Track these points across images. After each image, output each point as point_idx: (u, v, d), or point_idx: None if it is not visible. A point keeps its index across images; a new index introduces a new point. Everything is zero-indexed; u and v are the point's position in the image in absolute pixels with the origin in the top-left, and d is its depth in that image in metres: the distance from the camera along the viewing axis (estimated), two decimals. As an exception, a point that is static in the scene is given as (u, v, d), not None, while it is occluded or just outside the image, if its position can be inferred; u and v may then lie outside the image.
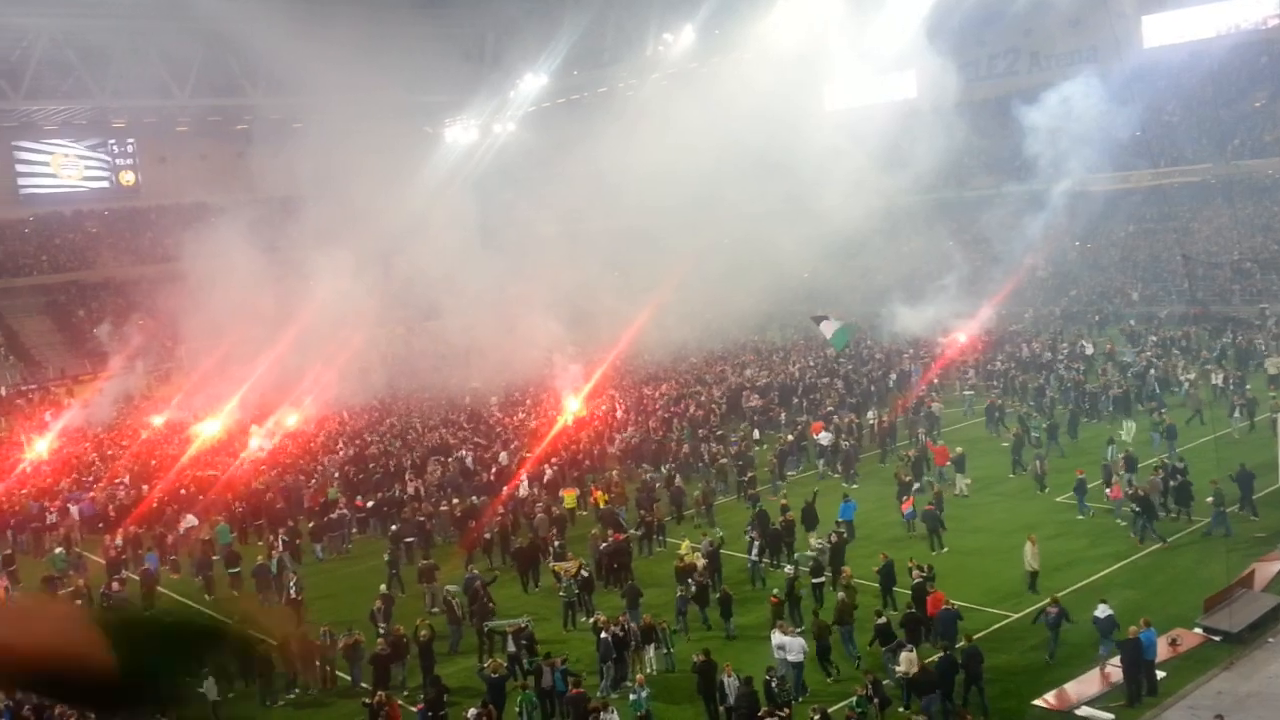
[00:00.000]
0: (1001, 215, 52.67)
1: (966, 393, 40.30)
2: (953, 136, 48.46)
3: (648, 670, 20.05)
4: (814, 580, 23.14)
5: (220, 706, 20.70)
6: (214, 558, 28.52)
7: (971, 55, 62.22)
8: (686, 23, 59.41)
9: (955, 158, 51.96)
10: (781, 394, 41.99)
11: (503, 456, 35.90)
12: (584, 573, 24.51)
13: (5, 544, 32.34)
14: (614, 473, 33.93)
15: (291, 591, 24.73)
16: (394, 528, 29.92)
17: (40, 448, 41.99)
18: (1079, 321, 51.50)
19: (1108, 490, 26.87)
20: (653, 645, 20.58)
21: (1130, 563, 23.74)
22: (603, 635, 20.40)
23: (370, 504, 32.65)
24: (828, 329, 41.19)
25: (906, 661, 18.39)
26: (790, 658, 19.25)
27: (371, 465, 37.06)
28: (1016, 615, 21.40)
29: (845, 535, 25.33)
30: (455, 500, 31.59)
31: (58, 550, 31.49)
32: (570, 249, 47.34)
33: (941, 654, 18.26)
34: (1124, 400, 36.10)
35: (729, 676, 18.21)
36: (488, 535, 28.84)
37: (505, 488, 32.30)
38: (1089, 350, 44.69)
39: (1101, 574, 23.12)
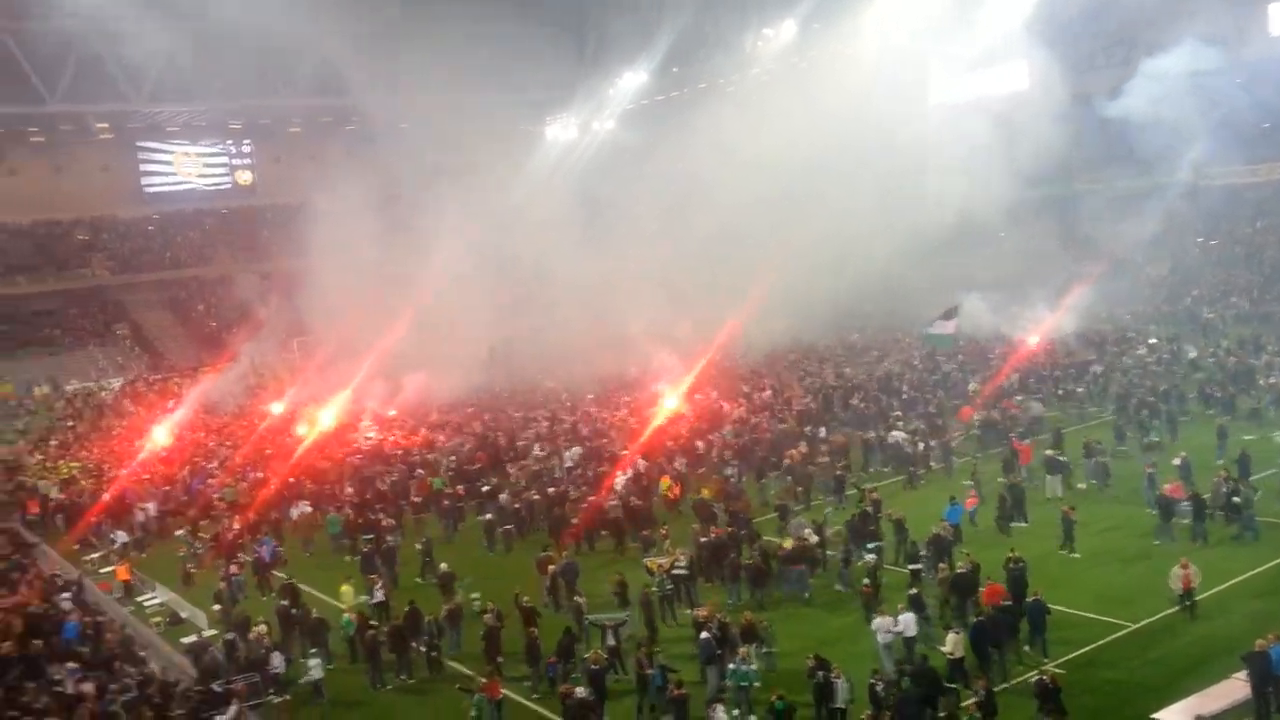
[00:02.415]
0: (1113, 211, 51.05)
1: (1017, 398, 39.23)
2: (1064, 130, 47.05)
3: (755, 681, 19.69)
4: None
5: (323, 685, 21.26)
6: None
7: (1085, 45, 60.36)
8: (787, 17, 58.89)
9: (1066, 152, 50.48)
10: (880, 392, 41.57)
11: (569, 453, 36.43)
12: (679, 568, 24.41)
13: (135, 527, 33.74)
14: (679, 463, 34.07)
15: (378, 595, 25.16)
16: (487, 516, 30.69)
17: (163, 434, 43.57)
18: (1191, 322, 49.43)
19: (1166, 487, 26.12)
20: (754, 644, 20.34)
21: (1259, 572, 22.69)
22: (704, 635, 20.26)
23: (466, 492, 33.39)
24: (942, 327, 40.63)
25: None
26: (908, 633, 19.69)
27: (470, 453, 37.83)
28: (1133, 625, 20.62)
29: (950, 536, 24.85)
30: (550, 490, 32.00)
31: (179, 532, 32.93)
32: (669, 246, 47.30)
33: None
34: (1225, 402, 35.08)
35: (839, 679, 17.91)
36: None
37: (604, 481, 32.54)
38: (1192, 354, 42.97)
39: (1229, 584, 22.07)
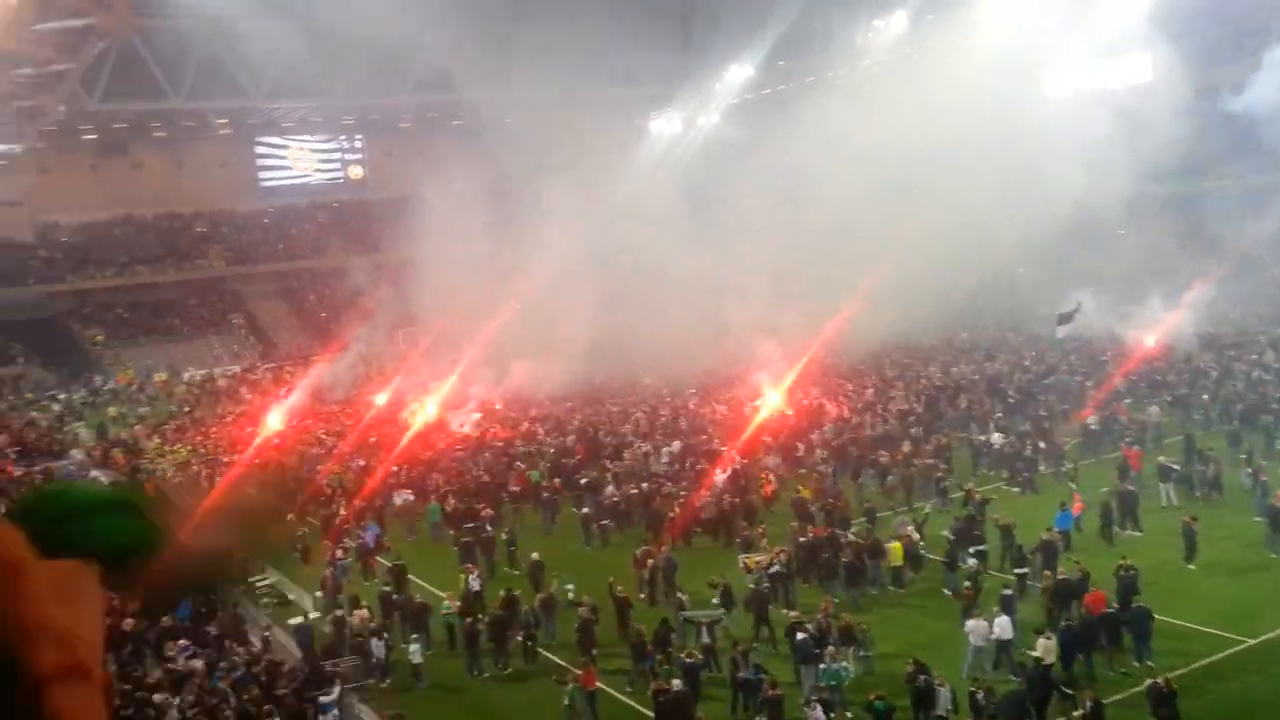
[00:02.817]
0: (1240, 208, 48.90)
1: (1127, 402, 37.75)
2: (1187, 124, 45.22)
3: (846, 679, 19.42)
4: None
5: (423, 670, 21.63)
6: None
7: (1210, 38, 57.93)
8: (899, 8, 57.87)
9: (1190, 146, 48.52)
10: (988, 393, 40.62)
11: (666, 449, 36.37)
12: (776, 566, 24.17)
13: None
14: (772, 460, 33.72)
15: (473, 584, 25.37)
16: (584, 510, 30.85)
17: (275, 421, 44.77)
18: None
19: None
20: (851, 647, 20.05)
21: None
22: (800, 635, 20.03)
23: (564, 485, 33.63)
24: (1065, 330, 39.66)
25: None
26: (1004, 637, 19.37)
27: (568, 447, 38.11)
28: (1253, 640, 19.74)
29: (1059, 543, 24.17)
30: (646, 486, 32.01)
31: (289, 517, 33.82)
32: (773, 241, 46.86)
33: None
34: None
35: (942, 686, 17.51)
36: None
37: (702, 477, 32.43)
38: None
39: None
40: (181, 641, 20.77)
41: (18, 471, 35.73)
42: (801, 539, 25.79)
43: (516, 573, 27.02)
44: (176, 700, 17.42)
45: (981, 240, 42.47)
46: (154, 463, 41.35)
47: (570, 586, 24.73)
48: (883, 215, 44.90)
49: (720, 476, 31.92)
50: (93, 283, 67.26)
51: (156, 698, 17.39)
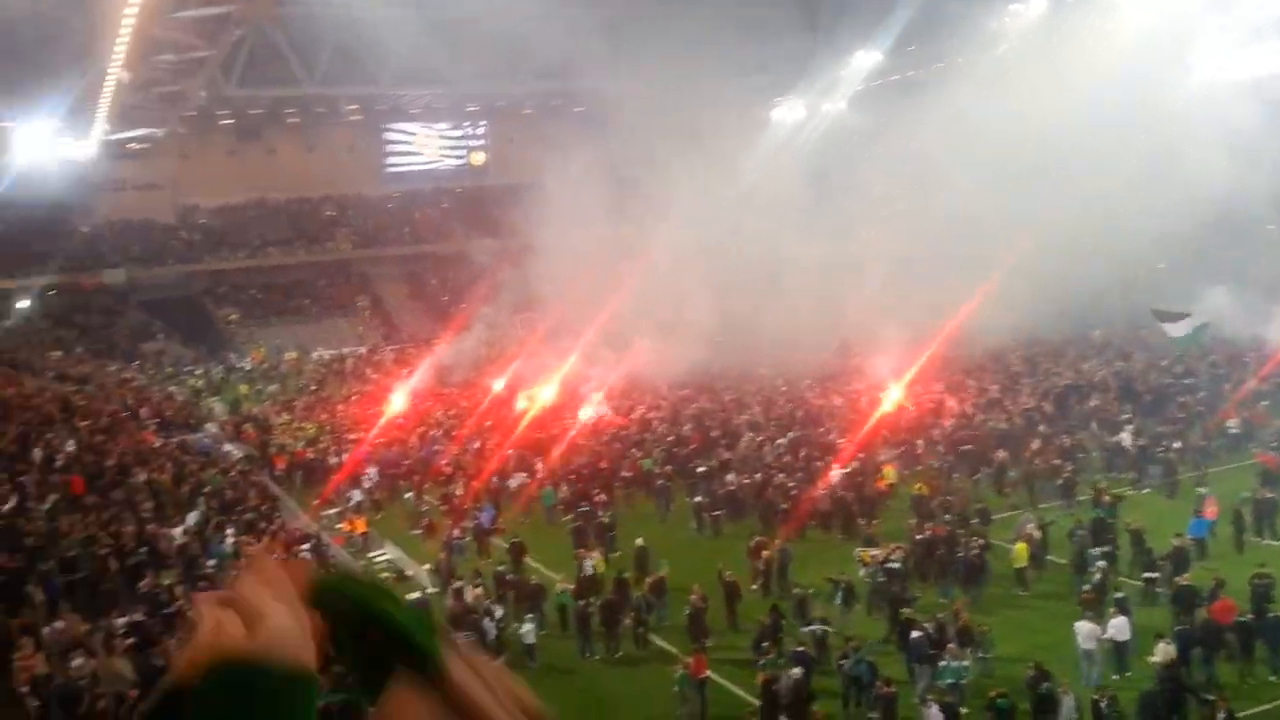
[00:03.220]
0: None
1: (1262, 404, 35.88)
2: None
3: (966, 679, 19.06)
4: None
5: (536, 650, 21.97)
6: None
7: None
8: (1037, -9, 56.15)
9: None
10: (1122, 394, 39.26)
11: (780, 440, 36.04)
12: (893, 562, 23.85)
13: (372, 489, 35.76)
14: (887, 454, 33.26)
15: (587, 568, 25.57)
16: (697, 499, 30.81)
17: (397, 402, 45.88)
18: None
19: None
20: (969, 648, 19.66)
21: None
22: (915, 634, 19.75)
23: (677, 474, 33.68)
24: (1177, 329, 37.93)
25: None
26: (1119, 638, 18.94)
27: (684, 436, 38.14)
28: None
29: (1191, 550, 23.31)
30: (759, 476, 31.85)
31: (408, 495, 34.73)
32: (898, 232, 46.02)
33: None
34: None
35: (1066, 694, 17.02)
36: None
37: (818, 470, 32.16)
38: None
39: None
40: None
41: (158, 442, 37.30)
42: (919, 536, 25.39)
43: (614, 555, 27.17)
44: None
45: (1117, 233, 40.99)
46: (283, 439, 42.83)
47: (666, 563, 24.85)
48: (1013, 206, 43.61)
49: (837, 470, 31.58)
50: (227, 264, 69.94)
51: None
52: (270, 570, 1.26)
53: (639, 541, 26.66)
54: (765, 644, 20.49)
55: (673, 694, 19.38)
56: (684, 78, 54.39)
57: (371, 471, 36.68)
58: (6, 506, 22.75)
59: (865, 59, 63.63)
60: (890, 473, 31.65)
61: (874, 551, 24.65)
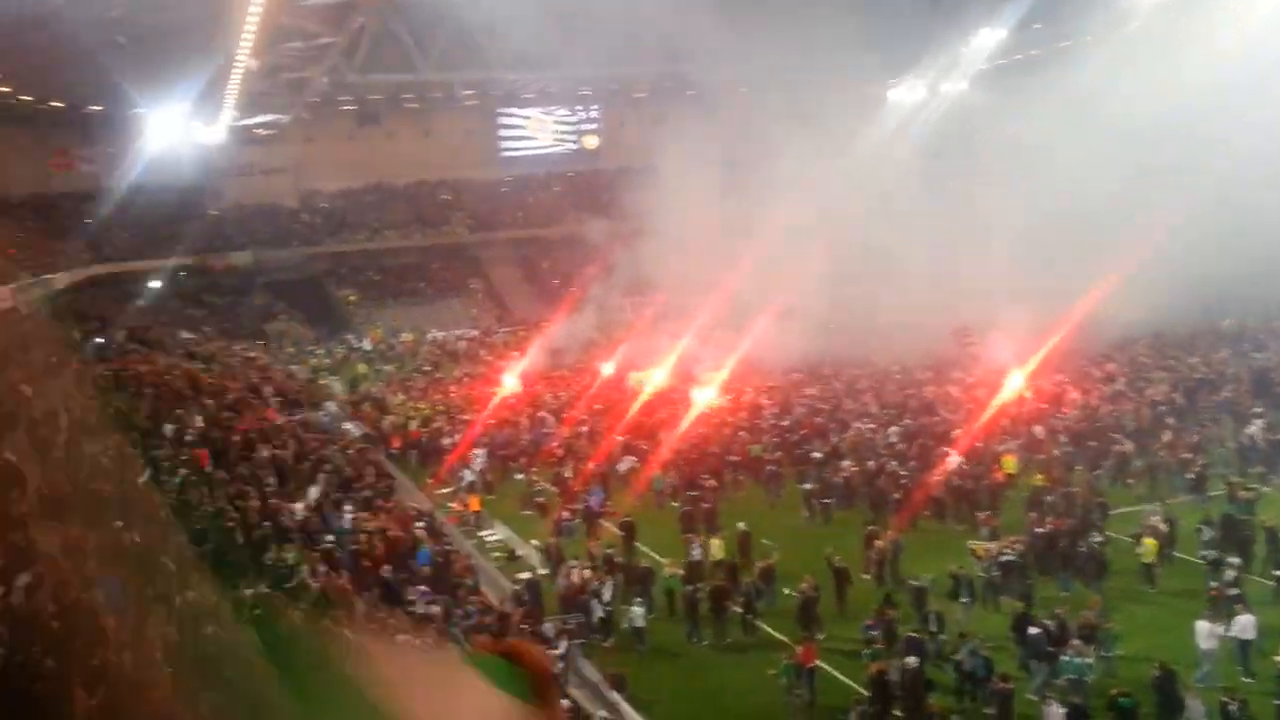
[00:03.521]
0: None
1: None
2: None
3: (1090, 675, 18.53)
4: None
5: (645, 633, 22.08)
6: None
7: None
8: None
9: None
10: (1255, 386, 37.60)
11: (893, 428, 35.65)
12: (1008, 555, 23.30)
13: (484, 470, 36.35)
14: (1007, 445, 32.32)
15: (695, 553, 25.46)
16: (807, 485, 30.59)
17: (509, 384, 46.53)
18: None
19: None
20: (1092, 646, 19.10)
21: None
22: (1033, 630, 19.29)
23: (786, 460, 33.45)
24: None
25: None
26: (1243, 636, 18.36)
27: (794, 423, 37.83)
28: None
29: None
30: (872, 464, 31.44)
31: (518, 476, 35.23)
32: (1020, 217, 44.67)
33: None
34: None
35: (1195, 700, 16.43)
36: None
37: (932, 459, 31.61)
38: None
39: None
40: (421, 587, 21.95)
41: (280, 419, 38.46)
42: (1039, 529, 24.75)
43: (716, 541, 26.99)
44: (417, 642, 18.42)
45: (1253, 221, 39.21)
46: (399, 418, 43.78)
47: (771, 544, 24.71)
48: (1142, 191, 42.01)
49: (954, 459, 30.95)
50: (347, 246, 71.81)
51: (399, 638, 18.43)
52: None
53: (741, 526, 26.60)
54: (874, 631, 20.28)
55: (779, 683, 19.31)
56: (799, 58, 53.71)
57: (479, 453, 37.20)
58: (141, 479, 23.72)
59: (989, 37, 61.86)
60: (1010, 462, 30.92)
61: (989, 545, 24.12)
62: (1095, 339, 43.94)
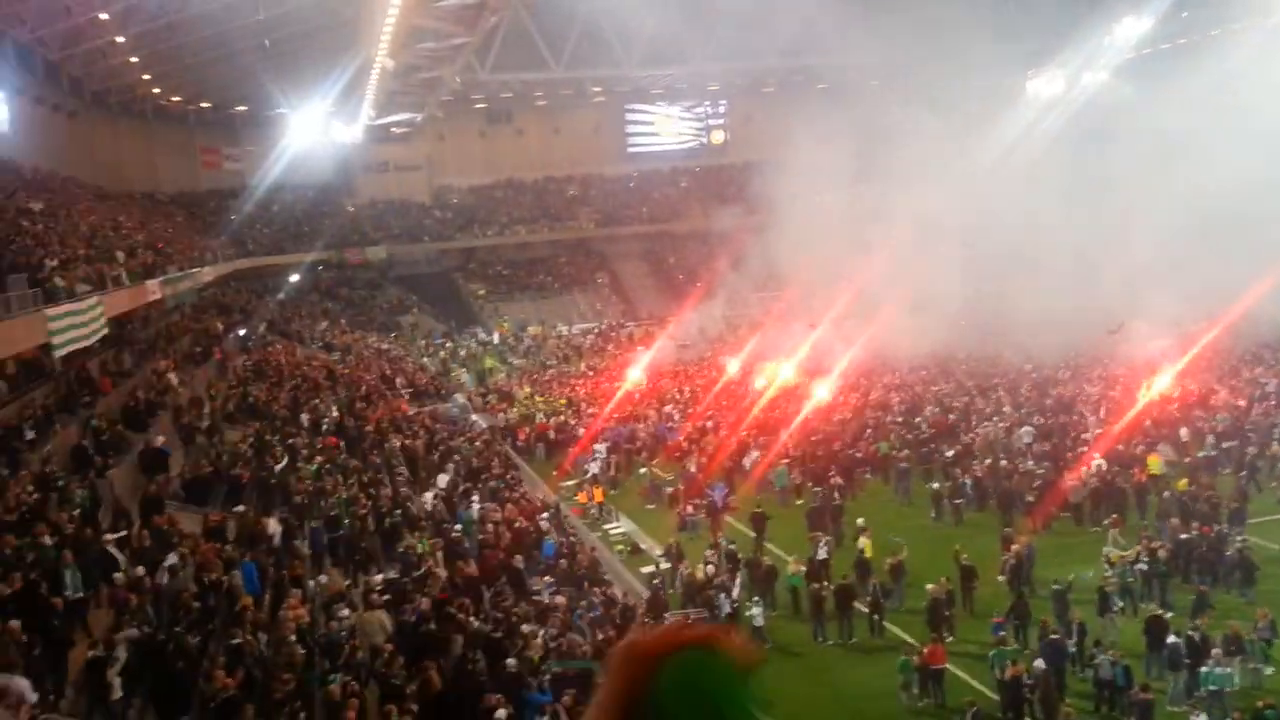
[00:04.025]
0: None
1: None
2: None
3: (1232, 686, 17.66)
4: None
5: (765, 631, 21.87)
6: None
7: None
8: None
9: None
10: None
11: (1024, 429, 34.55)
12: (1142, 563, 22.34)
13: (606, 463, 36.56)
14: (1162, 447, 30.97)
15: (821, 551, 25.17)
16: (935, 485, 30.17)
17: (634, 378, 46.73)
18: None
19: None
20: (1238, 657, 18.19)
21: None
22: (1171, 639, 18.46)
23: (914, 458, 32.77)
24: None
25: None
26: None
27: (919, 421, 37.13)
28: None
29: None
30: (1004, 464, 30.61)
31: (642, 470, 35.35)
32: (1165, 214, 42.71)
33: None
34: None
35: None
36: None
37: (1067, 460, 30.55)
38: None
39: None
40: (547, 578, 22.17)
41: (411, 410, 39.40)
42: (1183, 535, 23.67)
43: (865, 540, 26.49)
44: (541, 631, 18.59)
45: None
46: (525, 411, 44.41)
47: (904, 548, 24.26)
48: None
49: (1096, 461, 29.82)
50: (477, 241, 73.17)
51: (525, 628, 18.65)
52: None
53: (860, 522, 26.18)
54: (1003, 631, 19.74)
55: (899, 680, 19.02)
56: (934, 49, 52.46)
57: (600, 447, 37.42)
58: (279, 466, 24.57)
59: (1134, 26, 59.40)
60: (1155, 463, 29.60)
61: (1124, 552, 23.16)
62: (1246, 338, 41.85)
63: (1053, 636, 18.98)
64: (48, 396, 22.94)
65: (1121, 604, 21.21)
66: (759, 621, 22.04)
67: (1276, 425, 32.31)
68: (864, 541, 24.81)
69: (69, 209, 37.63)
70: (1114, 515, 26.04)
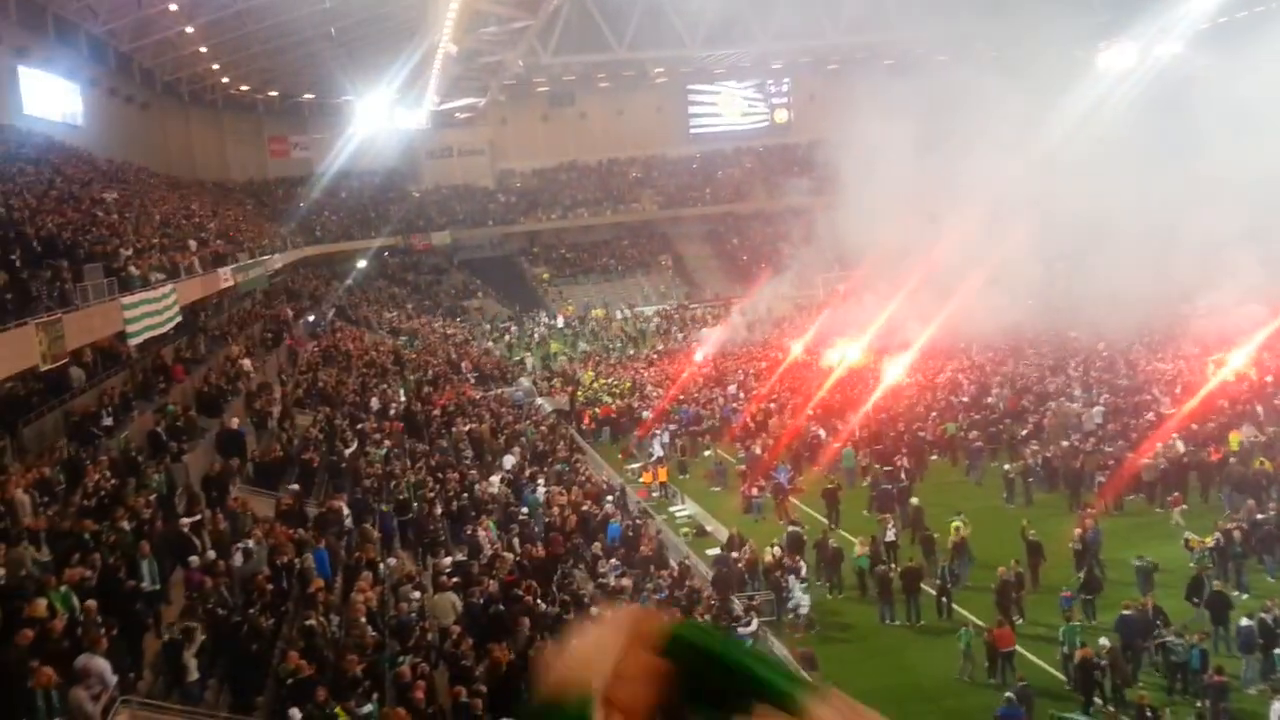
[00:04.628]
0: None
1: None
2: None
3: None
4: None
5: (811, 619, 21.81)
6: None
7: None
8: None
9: None
10: None
11: (1096, 409, 33.82)
12: (1218, 542, 21.84)
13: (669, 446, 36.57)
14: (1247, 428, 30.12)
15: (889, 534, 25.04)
16: (1006, 466, 29.80)
17: (699, 360, 46.70)
18: None
19: None
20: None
21: None
22: (1245, 622, 18.08)
23: (984, 439, 32.32)
24: None
25: None
26: None
27: (989, 401, 36.62)
28: None
29: None
30: (1075, 444, 30.13)
31: (707, 452, 35.32)
32: (1242, 191, 41.42)
33: None
34: None
35: None
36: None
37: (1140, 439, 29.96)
38: None
39: None
40: (613, 561, 22.29)
41: (477, 394, 39.77)
42: (1259, 516, 23.10)
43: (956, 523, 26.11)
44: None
45: None
46: (590, 394, 44.57)
47: (959, 517, 24.06)
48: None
49: (1174, 440, 29.21)
50: (540, 225, 73.47)
51: (593, 611, 18.80)
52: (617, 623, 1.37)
53: (914, 501, 25.96)
54: (1072, 604, 19.62)
55: (958, 650, 19.06)
56: (1002, 23, 51.43)
57: (668, 428, 37.43)
58: (349, 450, 24.96)
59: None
60: (1235, 439, 28.95)
61: (1201, 538, 22.64)
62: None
63: (1125, 612, 18.64)
64: (124, 384, 23.51)
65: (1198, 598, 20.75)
66: (804, 609, 21.88)
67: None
68: (955, 524, 24.52)
69: (142, 199, 38.47)
70: (1175, 494, 25.77)
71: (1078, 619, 19.33)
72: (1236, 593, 20.42)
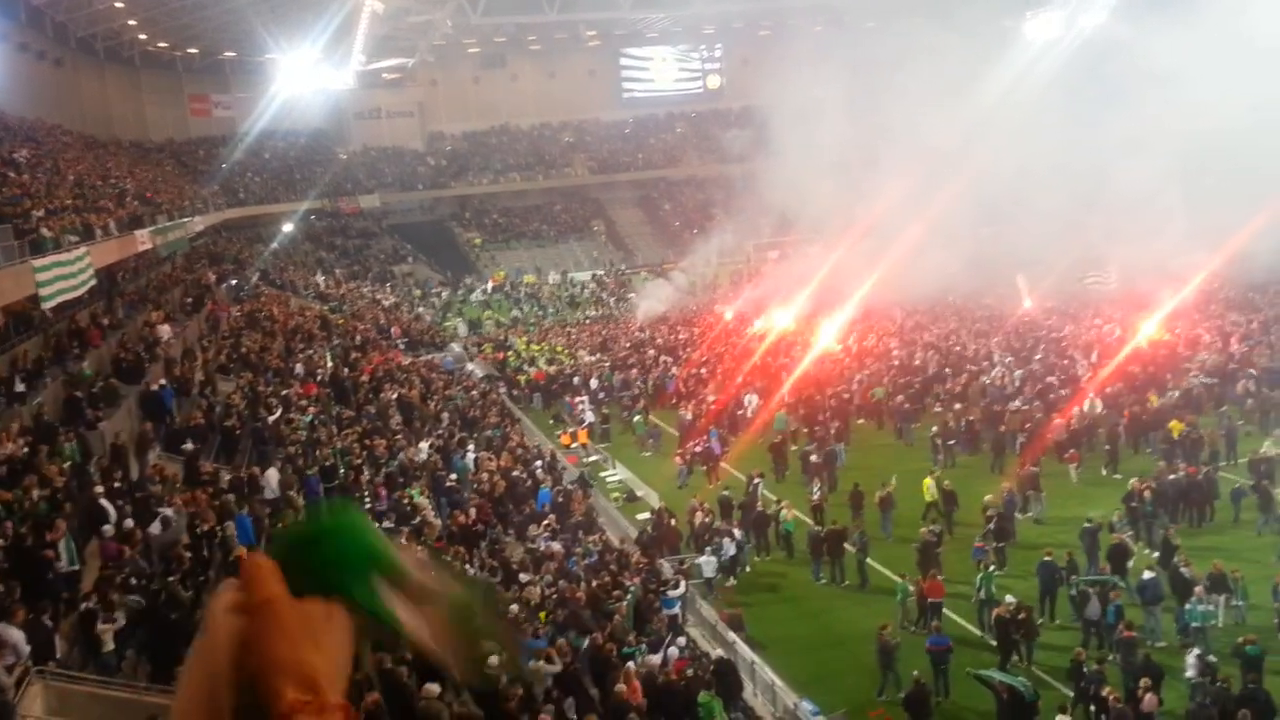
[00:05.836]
0: None
1: None
2: None
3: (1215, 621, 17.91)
4: None
5: (713, 584, 22.08)
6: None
7: None
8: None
9: None
10: None
11: (1018, 373, 34.68)
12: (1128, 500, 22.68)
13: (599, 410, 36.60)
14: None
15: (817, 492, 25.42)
16: (933, 429, 30.41)
17: (632, 325, 46.58)
18: None
19: None
20: (1223, 595, 18.42)
21: None
22: (1147, 574, 18.90)
23: (908, 402, 32.95)
24: None
25: None
26: None
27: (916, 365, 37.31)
28: None
29: None
30: (995, 408, 30.87)
31: (637, 418, 35.35)
32: (1162, 159, 42.26)
33: None
34: None
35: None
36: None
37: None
38: None
39: None
40: (544, 523, 22.27)
41: (406, 360, 39.32)
42: (1171, 476, 23.89)
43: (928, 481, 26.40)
44: (538, 579, 18.73)
45: None
46: (521, 359, 44.37)
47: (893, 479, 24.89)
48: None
49: (1090, 402, 30.10)
50: (472, 189, 72.64)
51: (522, 576, 18.79)
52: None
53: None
54: (984, 552, 20.83)
55: (895, 605, 19.74)
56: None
57: (594, 395, 37.55)
58: (272, 417, 24.56)
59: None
60: (1154, 399, 30.04)
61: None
62: (1239, 279, 41.81)
63: (1046, 559, 19.36)
64: (38, 349, 22.86)
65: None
66: (709, 573, 22.03)
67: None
68: (927, 483, 24.97)
69: (55, 158, 37.28)
70: (1071, 451, 27.00)
71: (990, 567, 20.03)
72: (1149, 551, 21.06)
